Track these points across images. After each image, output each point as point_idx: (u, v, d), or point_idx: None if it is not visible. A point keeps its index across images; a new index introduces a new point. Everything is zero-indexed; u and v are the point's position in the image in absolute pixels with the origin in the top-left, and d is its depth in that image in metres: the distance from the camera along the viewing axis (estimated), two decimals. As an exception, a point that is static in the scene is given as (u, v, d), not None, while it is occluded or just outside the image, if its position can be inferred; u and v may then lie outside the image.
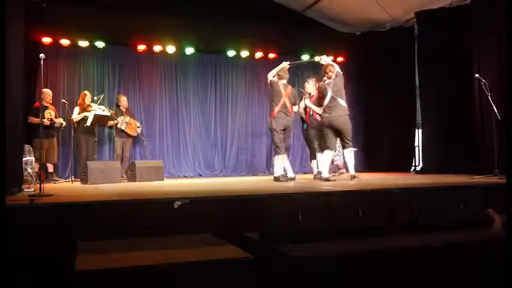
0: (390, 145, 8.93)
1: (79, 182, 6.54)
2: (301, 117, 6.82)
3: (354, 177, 5.79)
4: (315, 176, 6.43)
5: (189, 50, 8.43)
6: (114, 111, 7.35)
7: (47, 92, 6.91)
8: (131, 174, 6.82)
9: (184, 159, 8.53)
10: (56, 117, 7.01)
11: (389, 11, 8.43)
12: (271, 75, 6.13)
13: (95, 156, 7.20)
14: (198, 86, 8.71)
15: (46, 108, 6.77)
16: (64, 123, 7.12)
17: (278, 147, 5.97)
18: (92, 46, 7.80)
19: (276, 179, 5.97)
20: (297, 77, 8.42)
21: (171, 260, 2.52)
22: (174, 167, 8.40)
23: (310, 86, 6.57)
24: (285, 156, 6.02)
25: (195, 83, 8.69)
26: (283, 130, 6.02)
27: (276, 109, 5.97)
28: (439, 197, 3.92)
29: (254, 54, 8.82)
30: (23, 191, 4.58)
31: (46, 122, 6.55)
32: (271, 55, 8.88)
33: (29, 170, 5.31)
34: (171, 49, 8.24)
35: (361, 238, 3.24)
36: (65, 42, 7.57)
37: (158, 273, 2.39)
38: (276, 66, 6.27)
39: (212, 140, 8.79)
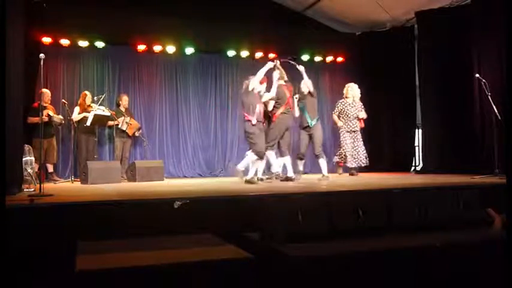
0: (390, 145, 8.93)
1: (79, 182, 6.53)
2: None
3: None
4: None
5: (189, 50, 8.42)
6: (114, 112, 7.35)
7: (46, 92, 6.90)
8: (131, 174, 6.82)
9: (184, 159, 8.52)
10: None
11: (389, 11, 8.43)
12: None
13: (95, 156, 7.19)
14: (198, 86, 8.71)
15: (45, 108, 6.75)
16: (63, 121, 7.10)
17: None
18: (92, 46, 7.79)
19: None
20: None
21: (171, 260, 2.52)
22: (174, 167, 8.39)
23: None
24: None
25: (195, 83, 8.69)
26: None
27: None
28: (439, 197, 3.93)
29: (254, 54, 8.80)
30: (23, 191, 4.58)
31: (44, 118, 6.53)
32: (271, 55, 8.86)
33: (29, 170, 5.31)
34: (171, 49, 8.23)
35: (361, 238, 3.24)
36: (65, 42, 7.56)
37: (158, 273, 2.39)
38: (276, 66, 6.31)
39: (212, 140, 8.78)
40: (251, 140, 5.87)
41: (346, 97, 7.31)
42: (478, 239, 3.27)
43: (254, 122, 5.82)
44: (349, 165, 7.28)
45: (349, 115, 7.17)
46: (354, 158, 7.25)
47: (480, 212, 3.76)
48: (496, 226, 3.54)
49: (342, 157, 7.32)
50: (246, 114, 5.91)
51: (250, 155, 5.89)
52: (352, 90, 7.30)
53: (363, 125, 7.34)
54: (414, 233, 3.47)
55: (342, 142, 7.28)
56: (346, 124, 7.24)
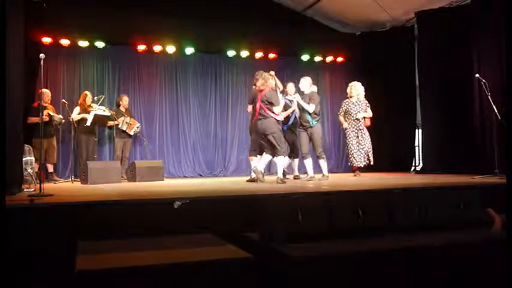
0: (390, 145, 8.93)
1: (79, 182, 6.53)
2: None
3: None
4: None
5: (189, 50, 8.43)
6: (114, 112, 7.36)
7: (46, 92, 6.91)
8: (131, 174, 6.82)
9: (184, 159, 8.53)
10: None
11: (389, 11, 8.44)
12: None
13: (95, 156, 7.20)
14: (198, 86, 8.72)
15: (45, 108, 6.76)
16: (63, 120, 7.10)
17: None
18: (92, 46, 7.80)
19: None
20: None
21: (171, 260, 2.52)
22: (174, 167, 8.40)
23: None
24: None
25: (195, 83, 8.69)
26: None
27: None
28: (439, 197, 3.93)
29: (254, 54, 8.82)
30: (23, 191, 4.58)
31: (45, 117, 6.56)
32: (271, 55, 8.89)
33: (29, 170, 5.30)
34: (171, 49, 8.24)
35: (361, 238, 3.24)
36: (65, 42, 7.57)
37: (158, 273, 2.39)
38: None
39: (212, 140, 8.79)
40: (276, 136, 5.62)
41: (350, 96, 7.29)
42: (478, 239, 3.27)
43: (281, 118, 5.79)
44: (359, 165, 7.25)
45: (352, 114, 7.16)
46: (360, 158, 7.21)
47: (480, 212, 3.76)
48: (496, 226, 3.53)
49: (351, 159, 7.27)
50: (271, 113, 5.64)
51: (279, 159, 5.68)
52: (356, 89, 7.26)
53: (367, 124, 7.25)
54: (414, 233, 3.47)
55: (347, 143, 7.27)
56: (350, 124, 7.22)
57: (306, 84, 6.52)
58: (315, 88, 6.65)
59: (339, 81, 9.65)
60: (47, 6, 7.05)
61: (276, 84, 6.07)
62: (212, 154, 8.76)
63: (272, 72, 6.12)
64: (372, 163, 7.20)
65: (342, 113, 7.31)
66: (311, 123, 6.42)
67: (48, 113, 6.76)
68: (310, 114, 6.39)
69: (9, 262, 2.59)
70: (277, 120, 5.75)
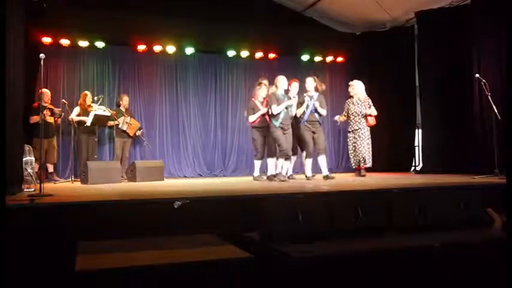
0: (390, 145, 8.93)
1: (79, 182, 6.53)
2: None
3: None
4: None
5: (189, 50, 8.43)
6: (114, 112, 7.35)
7: (46, 93, 6.91)
8: (131, 174, 6.82)
9: (184, 159, 8.53)
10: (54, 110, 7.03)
11: (389, 11, 8.43)
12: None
13: (95, 156, 7.20)
14: (198, 86, 8.71)
15: (45, 108, 6.77)
16: (63, 113, 7.11)
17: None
18: (92, 46, 7.80)
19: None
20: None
21: (171, 260, 2.52)
22: (174, 167, 8.40)
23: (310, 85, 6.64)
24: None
25: (195, 83, 8.69)
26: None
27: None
28: (439, 197, 3.93)
29: (254, 54, 8.81)
30: (23, 191, 4.59)
31: (47, 112, 6.62)
32: (271, 55, 8.89)
33: (29, 170, 5.30)
34: (171, 49, 8.24)
35: (361, 238, 3.24)
36: (65, 42, 7.57)
37: (158, 273, 2.39)
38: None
39: (212, 140, 8.78)
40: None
41: (351, 96, 7.30)
42: (478, 239, 3.27)
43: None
44: (354, 166, 7.26)
45: (350, 114, 7.16)
46: (352, 158, 7.21)
47: (480, 212, 3.76)
48: (496, 226, 3.54)
49: (352, 159, 7.24)
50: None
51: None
52: (354, 89, 7.26)
53: (370, 123, 7.12)
54: (414, 233, 3.47)
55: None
56: (348, 123, 7.23)
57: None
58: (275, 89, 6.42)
59: (339, 81, 9.65)
60: (47, 6, 7.05)
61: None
62: (212, 154, 8.76)
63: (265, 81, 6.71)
64: (365, 165, 7.07)
65: (344, 113, 7.28)
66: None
67: (48, 109, 6.78)
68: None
69: (9, 262, 2.59)
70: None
